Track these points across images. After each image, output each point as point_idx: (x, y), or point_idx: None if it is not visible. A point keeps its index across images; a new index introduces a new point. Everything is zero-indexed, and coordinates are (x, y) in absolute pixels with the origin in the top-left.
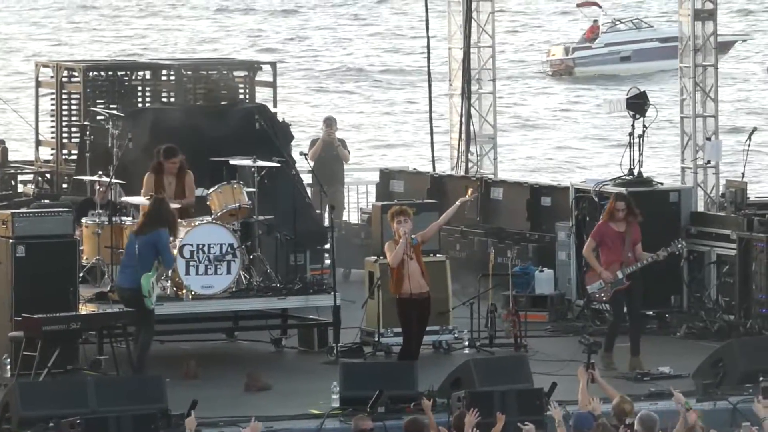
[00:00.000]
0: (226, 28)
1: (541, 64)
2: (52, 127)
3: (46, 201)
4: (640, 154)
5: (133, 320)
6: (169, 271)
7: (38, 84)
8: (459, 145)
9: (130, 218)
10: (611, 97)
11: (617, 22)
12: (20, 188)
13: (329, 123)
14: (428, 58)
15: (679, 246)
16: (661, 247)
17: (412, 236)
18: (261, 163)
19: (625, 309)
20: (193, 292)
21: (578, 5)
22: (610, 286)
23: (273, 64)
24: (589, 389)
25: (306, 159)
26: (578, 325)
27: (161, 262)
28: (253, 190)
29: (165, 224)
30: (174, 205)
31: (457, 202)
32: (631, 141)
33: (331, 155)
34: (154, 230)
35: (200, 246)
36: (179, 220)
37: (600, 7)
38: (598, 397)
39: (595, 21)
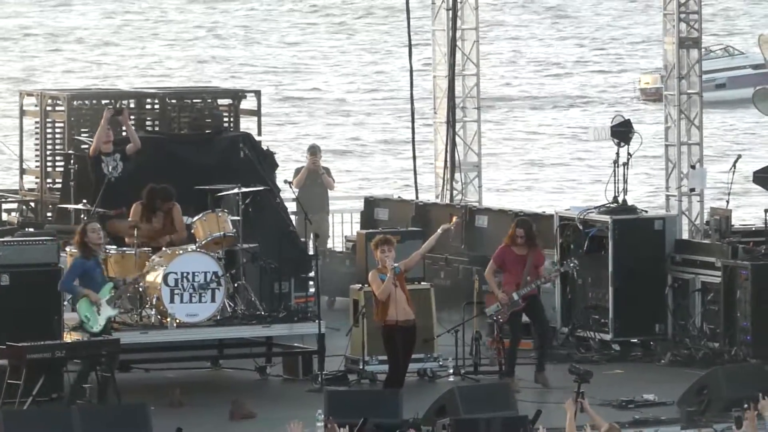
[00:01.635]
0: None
1: (633, 91)
2: (37, 155)
3: (31, 229)
4: (625, 182)
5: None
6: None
7: (22, 113)
8: (444, 173)
9: (115, 247)
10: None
11: (709, 51)
12: (4, 216)
13: (314, 151)
14: (411, 86)
15: (572, 265)
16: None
17: (395, 264)
18: (245, 189)
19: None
20: (177, 320)
21: None
22: (506, 307)
23: (257, 93)
24: (576, 419)
25: (290, 187)
26: (563, 353)
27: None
28: (238, 218)
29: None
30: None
31: (439, 230)
32: (616, 169)
33: (315, 183)
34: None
35: (185, 274)
36: (164, 248)
37: None
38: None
39: None
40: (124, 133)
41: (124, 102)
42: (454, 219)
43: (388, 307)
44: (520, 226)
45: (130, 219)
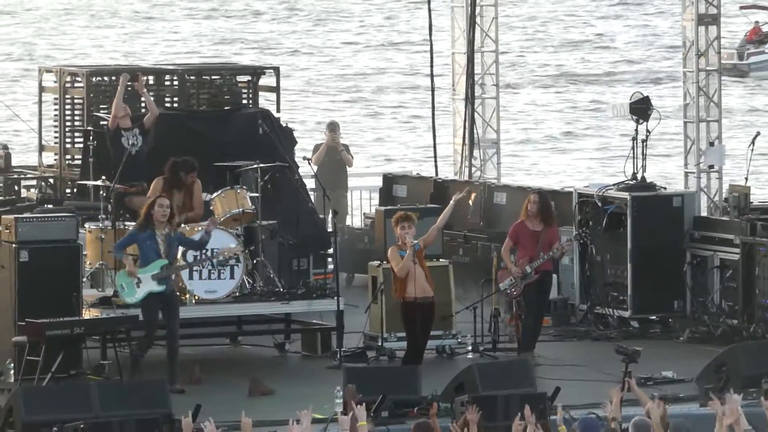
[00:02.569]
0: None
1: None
2: (56, 131)
3: (50, 206)
4: (644, 158)
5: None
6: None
7: (41, 88)
8: (462, 150)
9: (133, 223)
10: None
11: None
12: (23, 193)
13: (333, 128)
14: (431, 62)
15: (583, 235)
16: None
17: (415, 241)
18: (264, 166)
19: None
20: (196, 297)
21: (742, 8)
22: (520, 281)
23: (276, 69)
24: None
25: (309, 164)
26: (581, 330)
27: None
28: (257, 195)
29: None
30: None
31: (452, 201)
32: (635, 146)
33: (334, 160)
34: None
35: (204, 251)
36: (183, 225)
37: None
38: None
39: (757, 23)
40: (144, 109)
41: (143, 78)
42: (466, 189)
43: (407, 284)
44: (534, 193)
45: (149, 195)
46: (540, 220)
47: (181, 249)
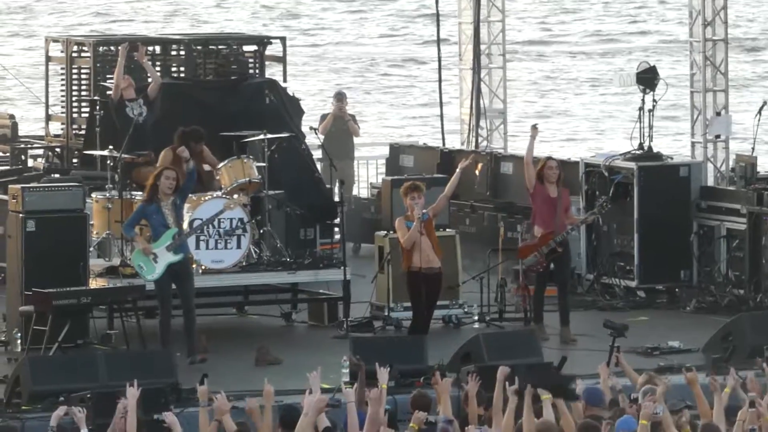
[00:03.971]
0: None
1: None
2: (63, 101)
3: (57, 175)
4: (650, 128)
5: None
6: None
7: (48, 59)
8: (470, 119)
9: (140, 193)
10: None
11: None
12: (30, 163)
13: (340, 97)
14: (438, 32)
15: (603, 204)
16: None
17: (424, 211)
18: (271, 136)
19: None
20: (203, 267)
21: None
22: (544, 256)
23: (283, 39)
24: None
25: (316, 134)
26: (588, 300)
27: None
28: (264, 164)
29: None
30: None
31: (458, 170)
32: (641, 115)
33: (341, 130)
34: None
35: (208, 218)
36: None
37: None
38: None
39: None
40: (149, 78)
41: (149, 48)
42: (471, 157)
43: (413, 254)
44: (550, 159)
45: (158, 164)
46: (556, 186)
47: (187, 218)
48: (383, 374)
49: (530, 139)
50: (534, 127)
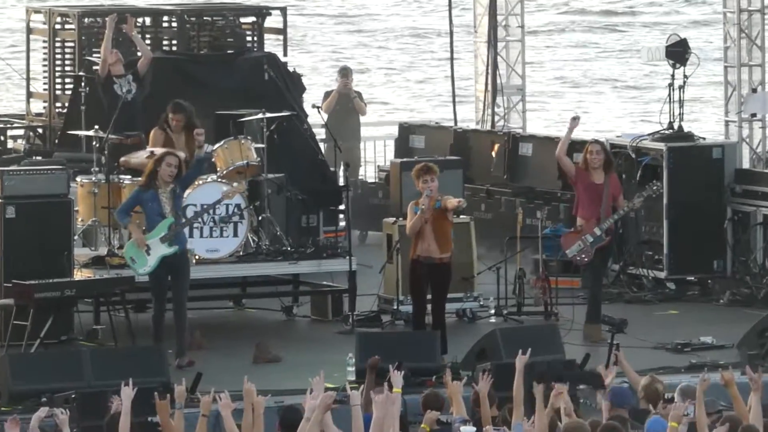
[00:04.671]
0: None
1: None
2: (45, 77)
3: (38, 158)
4: (681, 106)
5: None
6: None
7: (29, 30)
8: (485, 97)
9: (129, 177)
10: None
11: None
12: (10, 144)
13: (345, 73)
14: (450, 1)
15: (654, 188)
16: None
17: (438, 198)
18: (270, 115)
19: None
20: (197, 257)
21: None
22: (590, 245)
23: (283, 10)
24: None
25: (319, 112)
26: (614, 292)
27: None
28: (262, 146)
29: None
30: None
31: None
32: (671, 92)
33: (346, 108)
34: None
35: (204, 206)
36: None
37: None
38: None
39: None
40: (138, 53)
41: (139, 20)
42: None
43: (416, 242)
44: (594, 143)
45: (149, 146)
46: (602, 171)
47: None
48: (397, 378)
49: (567, 132)
50: (574, 119)
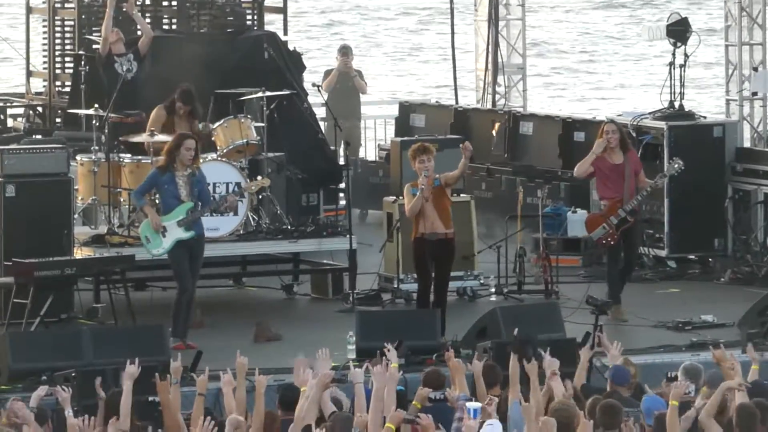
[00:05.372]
0: None
1: None
2: (45, 55)
3: (38, 136)
4: (682, 85)
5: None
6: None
7: (29, 9)
8: (485, 76)
9: (129, 156)
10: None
11: None
12: (10, 123)
13: (345, 52)
14: None
15: (676, 166)
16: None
17: (436, 176)
18: (270, 93)
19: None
20: None
21: None
22: (615, 227)
23: None
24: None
25: (319, 91)
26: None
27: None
28: (262, 124)
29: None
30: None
31: (463, 160)
32: (671, 71)
33: (346, 87)
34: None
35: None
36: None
37: None
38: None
39: None
40: (139, 32)
41: None
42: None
43: (418, 222)
44: (609, 123)
45: (150, 126)
46: (620, 150)
47: None
48: (393, 354)
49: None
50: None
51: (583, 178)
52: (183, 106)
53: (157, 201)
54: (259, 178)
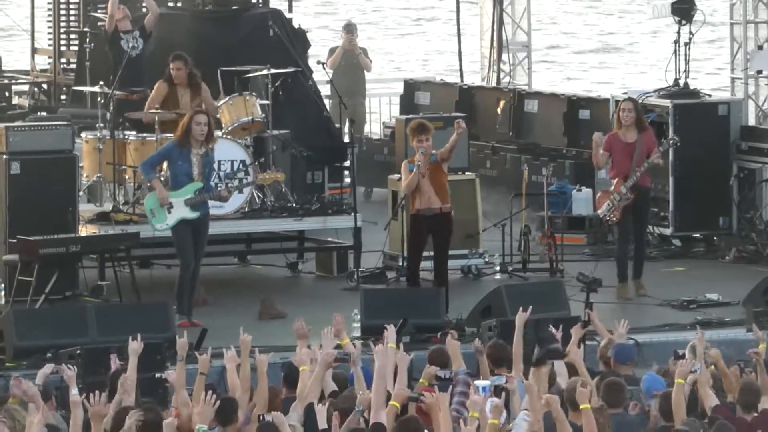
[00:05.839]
0: None
1: None
2: (50, 33)
3: (43, 114)
4: (687, 63)
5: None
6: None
7: None
8: (490, 53)
9: (134, 133)
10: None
11: None
12: (15, 100)
13: (350, 29)
14: None
15: (671, 142)
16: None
17: (433, 152)
18: (275, 71)
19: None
20: None
21: None
22: (617, 203)
23: None
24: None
25: (324, 68)
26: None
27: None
28: (267, 102)
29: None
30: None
31: (455, 136)
32: (677, 49)
33: (351, 64)
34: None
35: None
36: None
37: None
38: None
39: None
40: (144, 9)
41: None
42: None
43: (414, 198)
44: (626, 101)
45: (150, 102)
46: (634, 128)
47: None
48: (391, 334)
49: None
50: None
51: (606, 164)
52: (173, 63)
53: (162, 178)
54: (272, 170)
